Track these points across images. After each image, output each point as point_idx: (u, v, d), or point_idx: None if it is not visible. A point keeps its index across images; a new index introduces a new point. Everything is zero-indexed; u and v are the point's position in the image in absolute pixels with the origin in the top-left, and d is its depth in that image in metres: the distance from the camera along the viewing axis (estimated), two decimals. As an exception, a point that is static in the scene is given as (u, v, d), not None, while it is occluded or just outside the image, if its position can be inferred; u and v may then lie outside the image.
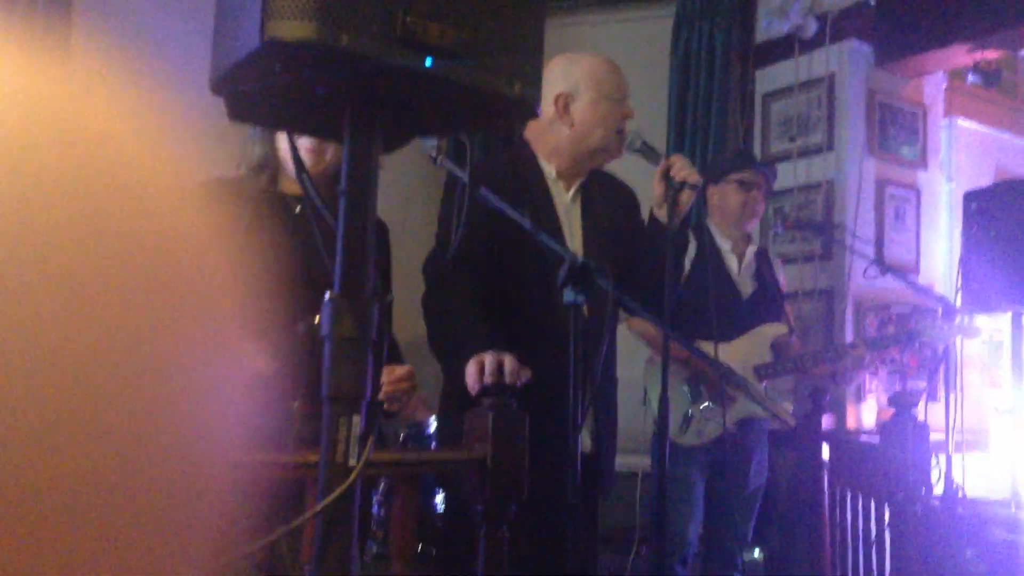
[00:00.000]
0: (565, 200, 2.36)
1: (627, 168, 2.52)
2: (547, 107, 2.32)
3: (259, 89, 1.01)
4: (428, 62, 0.95)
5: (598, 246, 2.33)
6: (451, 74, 0.97)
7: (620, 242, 2.38)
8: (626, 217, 2.45)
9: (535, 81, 1.04)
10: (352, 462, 1.03)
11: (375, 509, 2.82)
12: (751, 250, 3.34)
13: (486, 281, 2.23)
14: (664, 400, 2.11)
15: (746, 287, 3.29)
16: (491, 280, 2.24)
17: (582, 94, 2.31)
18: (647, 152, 2.24)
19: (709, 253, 3.19)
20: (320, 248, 1.79)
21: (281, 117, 1.14)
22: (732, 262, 3.29)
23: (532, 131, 2.39)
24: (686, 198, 2.20)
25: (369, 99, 1.03)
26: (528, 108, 1.04)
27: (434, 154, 1.78)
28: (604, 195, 2.43)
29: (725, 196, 3.29)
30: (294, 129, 1.28)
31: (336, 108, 1.05)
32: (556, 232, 2.27)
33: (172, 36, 3.71)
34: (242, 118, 1.09)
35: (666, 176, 2.19)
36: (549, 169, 2.35)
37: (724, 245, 3.29)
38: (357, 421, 1.05)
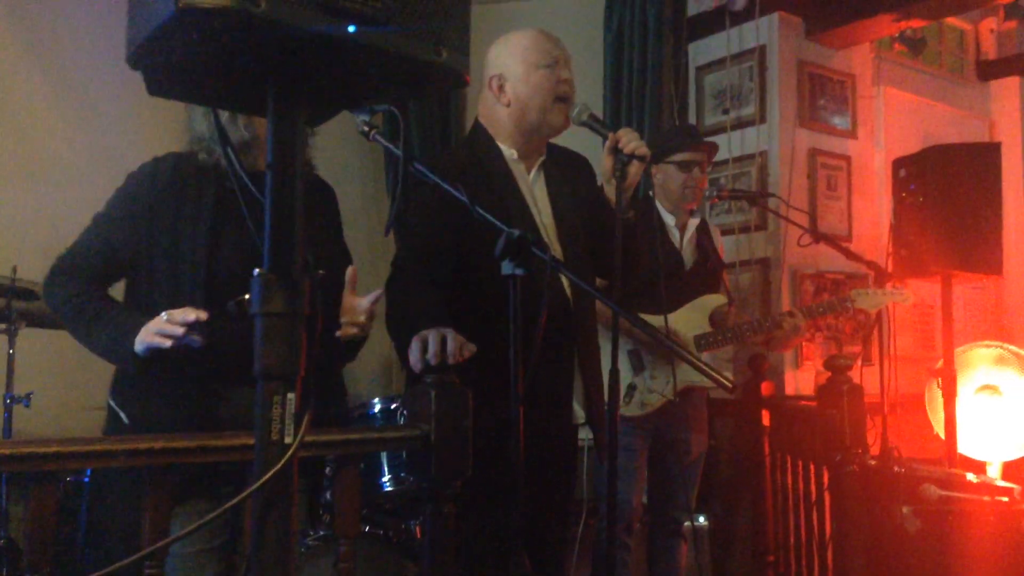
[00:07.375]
0: (528, 179, 2.37)
1: (574, 144, 2.52)
2: (487, 93, 2.36)
3: (178, 62, 0.98)
4: (351, 29, 0.93)
5: (568, 220, 2.35)
6: (375, 41, 0.95)
7: (586, 212, 2.39)
8: (586, 186, 2.45)
9: (462, 47, 1.02)
10: (288, 439, 1.02)
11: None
12: (693, 223, 3.37)
13: (450, 269, 2.24)
14: (614, 374, 2.12)
15: (688, 259, 3.32)
16: (456, 266, 2.25)
17: (512, 71, 2.32)
18: (595, 125, 2.23)
19: (654, 226, 3.21)
20: (249, 224, 1.76)
21: (202, 91, 1.10)
22: (675, 235, 3.32)
23: (484, 118, 2.40)
24: (635, 171, 2.20)
25: (292, 70, 1.00)
26: (456, 75, 1.03)
27: (366, 129, 1.75)
28: (563, 168, 2.44)
29: (667, 177, 3.31)
30: (216, 103, 1.25)
31: (258, 80, 1.02)
32: (525, 211, 2.29)
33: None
34: (161, 92, 1.06)
35: (615, 149, 2.19)
36: (509, 151, 2.36)
37: (668, 220, 3.32)
38: (292, 398, 1.03)
